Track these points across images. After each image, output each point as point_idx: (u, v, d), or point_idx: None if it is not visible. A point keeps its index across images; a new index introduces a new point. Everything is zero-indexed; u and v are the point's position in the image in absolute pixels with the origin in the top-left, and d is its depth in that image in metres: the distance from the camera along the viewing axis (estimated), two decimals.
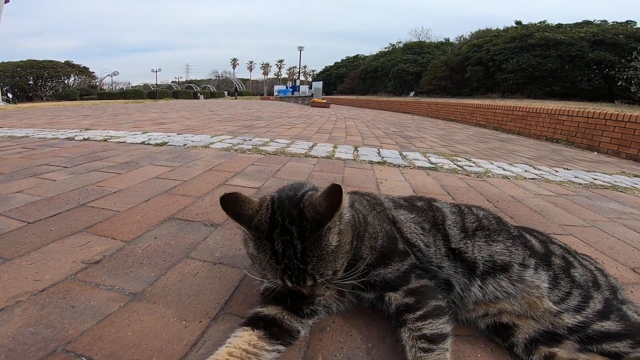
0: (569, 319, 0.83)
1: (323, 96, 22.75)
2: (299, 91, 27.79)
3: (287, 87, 36.77)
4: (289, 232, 0.76)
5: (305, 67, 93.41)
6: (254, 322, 0.81)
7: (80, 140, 3.83)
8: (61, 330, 0.84)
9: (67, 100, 26.96)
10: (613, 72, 10.85)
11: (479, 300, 0.92)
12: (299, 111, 12.08)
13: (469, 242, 0.94)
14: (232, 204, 0.79)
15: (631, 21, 14.45)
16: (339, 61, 42.08)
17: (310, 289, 0.82)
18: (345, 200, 0.77)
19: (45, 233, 1.37)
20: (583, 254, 1.08)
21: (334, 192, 0.76)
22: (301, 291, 0.82)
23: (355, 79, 31.40)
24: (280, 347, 0.79)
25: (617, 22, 14.43)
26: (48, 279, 1.05)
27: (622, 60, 10.49)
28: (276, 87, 41.96)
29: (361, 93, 28.66)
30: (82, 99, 28.69)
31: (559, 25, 15.33)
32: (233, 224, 0.79)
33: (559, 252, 0.98)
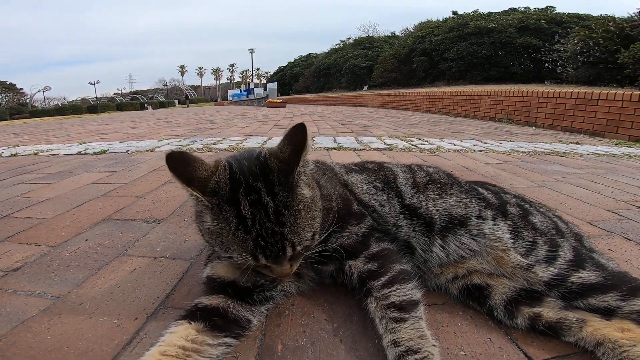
0: (543, 272, 0.76)
1: (278, 96, 22.54)
2: (253, 94, 27.30)
3: (241, 91, 36.00)
4: (255, 190, 0.64)
5: (258, 69, 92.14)
6: (192, 314, 0.68)
7: (7, 156, 3.41)
8: None
9: None
10: (539, 55, 11.86)
11: (444, 262, 0.87)
12: (255, 112, 11.84)
13: (421, 196, 0.91)
14: (181, 163, 0.64)
15: (550, 6, 15.89)
16: (292, 61, 41.90)
17: (290, 266, 0.69)
18: (310, 138, 0.67)
19: None
20: (538, 202, 1.05)
21: (296, 132, 0.67)
22: (278, 271, 0.68)
23: (309, 78, 31.48)
24: (228, 340, 0.67)
25: (538, 8, 15.79)
26: None
27: (546, 44, 11.50)
28: (230, 92, 40.96)
29: (316, 91, 28.79)
30: (13, 119, 26.02)
31: (489, 14, 16.45)
32: (183, 190, 0.65)
33: (513, 201, 0.96)
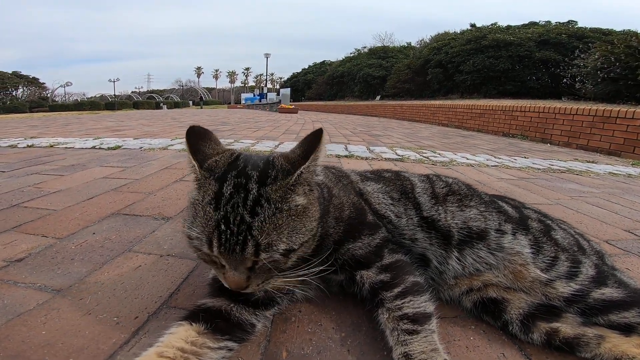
0: (564, 288, 0.75)
1: (291, 102, 22.72)
2: (266, 98, 27.65)
3: (254, 95, 36.52)
4: (247, 176, 0.61)
5: (272, 74, 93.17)
6: (194, 315, 0.66)
7: (24, 147, 3.49)
8: None
9: (15, 113, 25.04)
10: (558, 70, 11.65)
11: (459, 274, 0.84)
12: (267, 117, 11.94)
13: (440, 208, 0.87)
14: (197, 137, 0.68)
15: (572, 21, 15.70)
16: (306, 67, 42.31)
17: (248, 278, 0.62)
18: (323, 143, 0.65)
19: None
20: (559, 219, 1.01)
21: (311, 136, 0.65)
22: (229, 276, 0.62)
23: (322, 85, 31.65)
24: (230, 344, 0.64)
25: (559, 22, 15.59)
26: None
27: (566, 59, 11.29)
28: (243, 95, 41.55)
29: (329, 98, 28.91)
30: (32, 112, 26.79)
31: (509, 27, 16.33)
32: (188, 159, 0.66)
33: (535, 216, 0.93)
